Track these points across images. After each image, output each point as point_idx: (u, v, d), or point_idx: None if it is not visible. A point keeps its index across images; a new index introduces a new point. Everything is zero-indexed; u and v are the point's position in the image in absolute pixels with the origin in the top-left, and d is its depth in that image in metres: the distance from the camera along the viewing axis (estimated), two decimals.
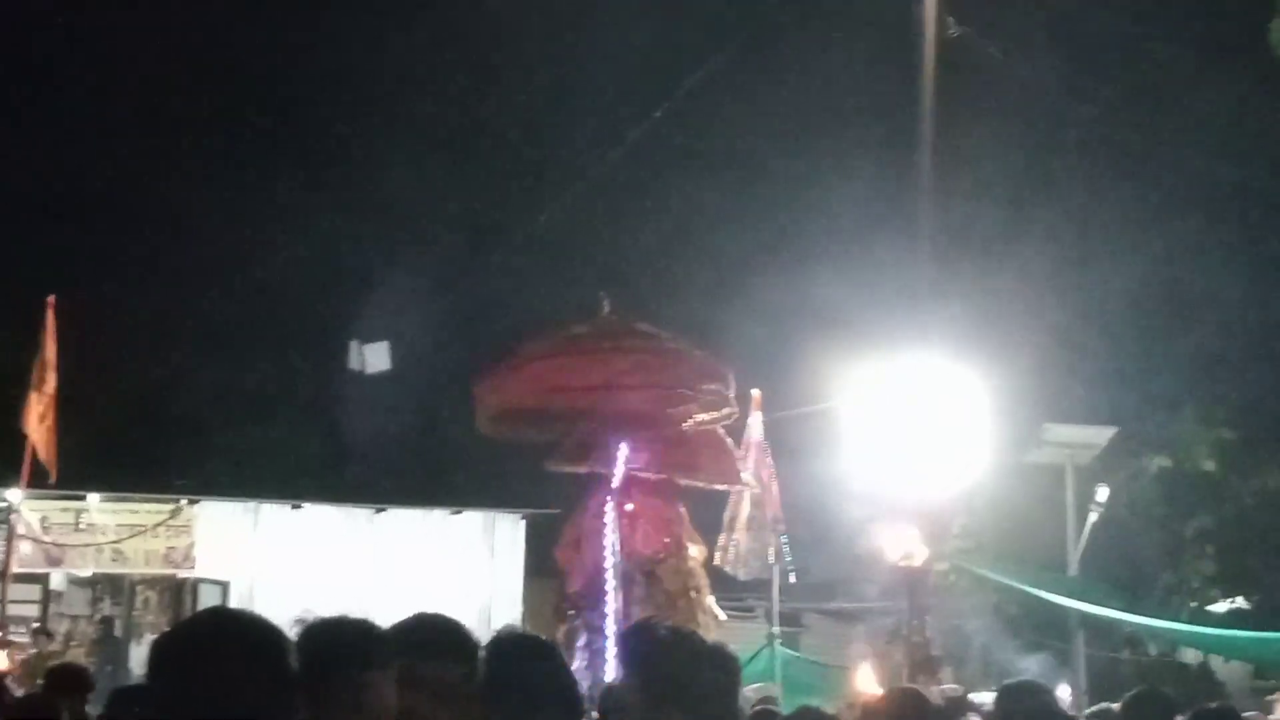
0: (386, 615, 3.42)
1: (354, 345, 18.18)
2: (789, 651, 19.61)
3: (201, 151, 28.62)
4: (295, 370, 27.60)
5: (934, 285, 15.15)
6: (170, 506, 19.69)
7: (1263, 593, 21.31)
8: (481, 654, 3.45)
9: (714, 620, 11.90)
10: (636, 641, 4.39)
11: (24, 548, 18.93)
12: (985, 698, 10.66)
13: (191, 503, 19.83)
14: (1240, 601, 21.48)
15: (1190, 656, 22.64)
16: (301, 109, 29.14)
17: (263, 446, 26.57)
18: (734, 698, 4.25)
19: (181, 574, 19.77)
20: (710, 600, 12.19)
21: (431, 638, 3.43)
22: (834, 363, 15.68)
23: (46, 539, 19.03)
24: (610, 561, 11.37)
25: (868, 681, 12.57)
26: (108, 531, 19.32)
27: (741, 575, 16.21)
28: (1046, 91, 19.59)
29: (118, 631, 19.41)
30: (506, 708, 3.22)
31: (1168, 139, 21.15)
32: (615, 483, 11.56)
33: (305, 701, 2.61)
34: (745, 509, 15.65)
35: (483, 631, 3.60)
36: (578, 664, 10.74)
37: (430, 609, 3.61)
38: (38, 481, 18.16)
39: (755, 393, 15.43)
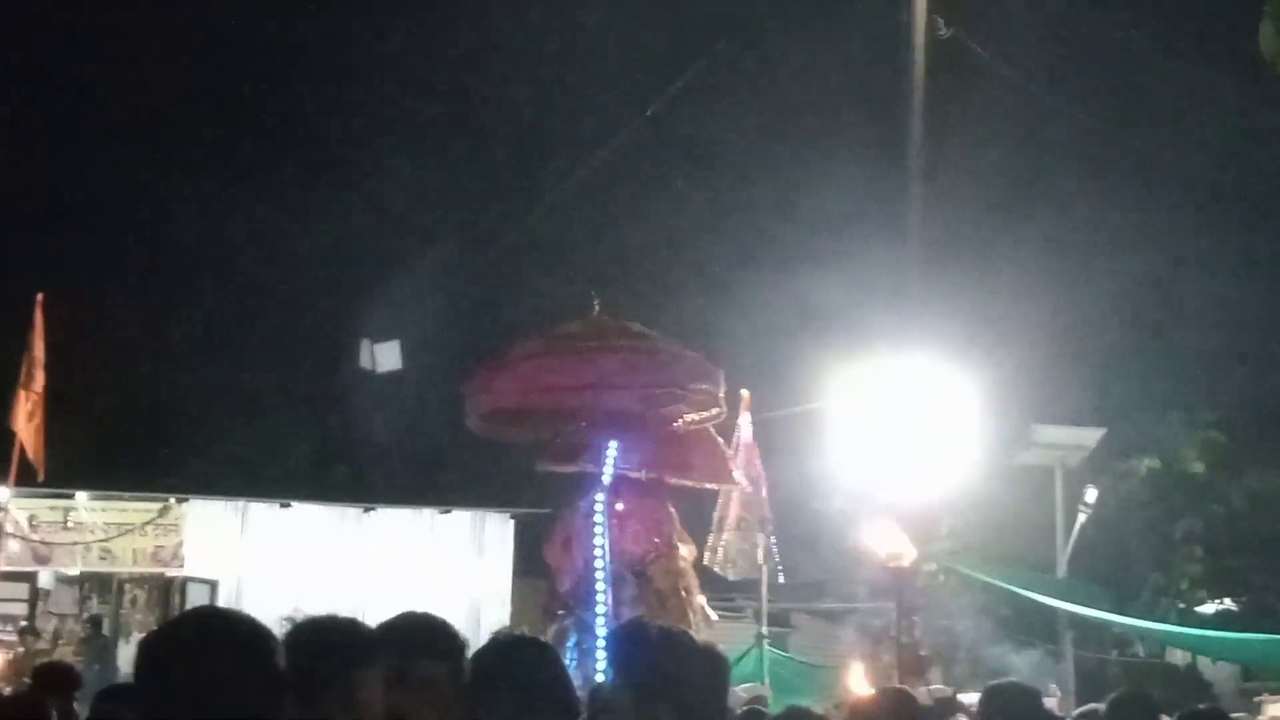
0: (375, 614, 3.42)
1: (365, 344, 18.16)
2: (777, 651, 19.63)
3: (188, 150, 28.56)
4: (284, 369, 27.57)
5: (923, 286, 15.18)
6: (159, 505, 19.64)
7: (1251, 594, 21.36)
8: (468, 653, 3.45)
9: (705, 620, 11.90)
10: (626, 641, 4.39)
11: (12, 546, 18.89)
12: (974, 698, 10.67)
13: (180, 501, 19.78)
14: (1228, 603, 21.53)
15: (1179, 658, 22.70)
16: (287, 109, 29.11)
17: (251, 445, 26.54)
18: (723, 697, 4.25)
19: (170, 573, 19.72)
20: (701, 600, 12.19)
21: (418, 637, 3.43)
22: (823, 363, 15.70)
23: (34, 537, 18.98)
24: (600, 561, 11.36)
25: (858, 681, 12.58)
26: (96, 530, 19.26)
27: (730, 575, 16.22)
28: (1036, 93, 19.62)
29: (106, 630, 19.32)
30: (504, 709, 3.23)
31: (1157, 141, 21.21)
32: (605, 482, 11.55)
33: (293, 700, 2.61)
34: (734, 509, 15.66)
35: (471, 631, 3.60)
36: (567, 664, 10.73)
37: (418, 608, 3.62)
38: (26, 479, 18.12)
39: (744, 393, 15.44)
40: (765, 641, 17.54)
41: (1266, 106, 17.66)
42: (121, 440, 25.03)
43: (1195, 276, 22.27)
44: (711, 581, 14.66)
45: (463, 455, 21.12)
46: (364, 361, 18.08)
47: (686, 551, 12.22)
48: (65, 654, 17.25)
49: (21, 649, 17.33)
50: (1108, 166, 23.06)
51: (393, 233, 28.79)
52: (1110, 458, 21.41)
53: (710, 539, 15.43)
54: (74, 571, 19.82)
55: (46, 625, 19.42)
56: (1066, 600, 18.92)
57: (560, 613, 11.64)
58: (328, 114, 29.85)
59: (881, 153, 17.50)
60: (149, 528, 19.42)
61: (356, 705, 3.03)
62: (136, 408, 26.75)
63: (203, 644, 2.52)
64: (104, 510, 19.49)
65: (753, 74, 23.57)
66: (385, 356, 17.84)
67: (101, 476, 20.35)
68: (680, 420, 12.10)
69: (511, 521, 20.78)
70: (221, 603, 17.85)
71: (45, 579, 19.93)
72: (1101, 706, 6.25)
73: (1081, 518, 20.31)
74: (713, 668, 4.09)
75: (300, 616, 3.14)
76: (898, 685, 9.55)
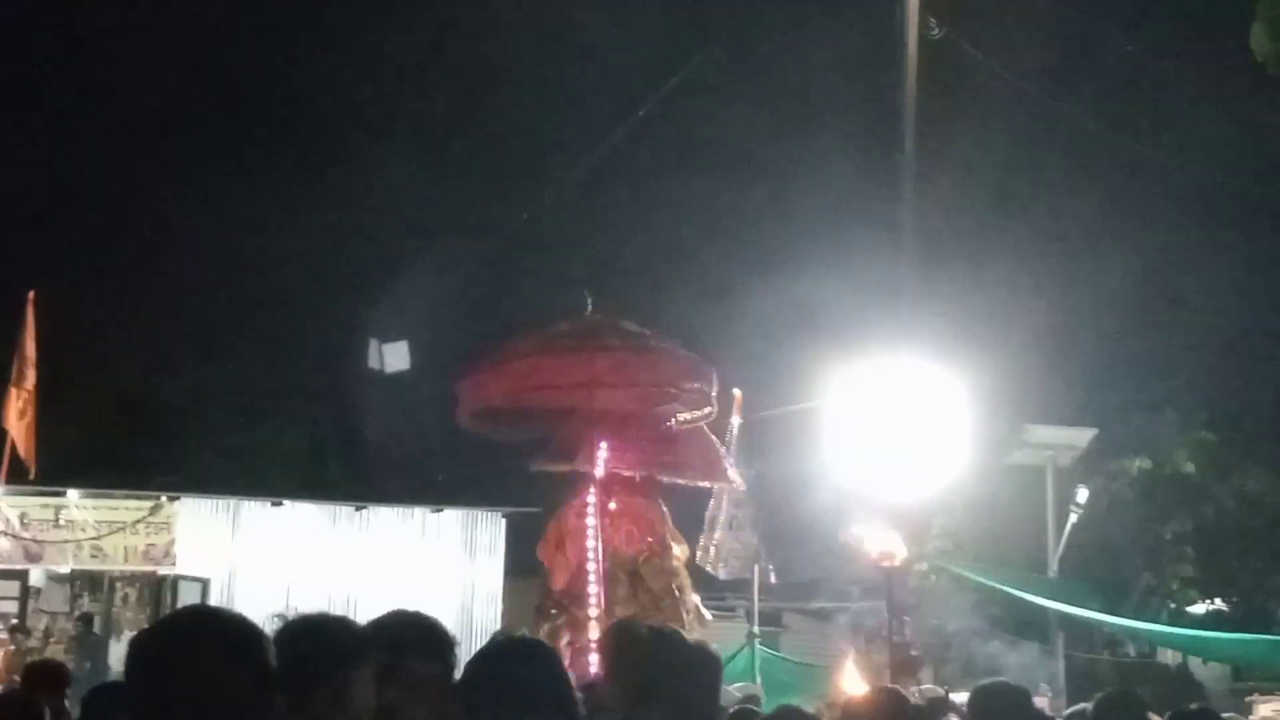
0: (366, 613, 3.42)
1: (373, 344, 18.18)
2: (769, 651, 19.62)
3: (181, 149, 28.55)
4: (276, 369, 27.56)
5: (916, 287, 15.19)
6: (150, 503, 19.61)
7: (1241, 594, 21.42)
8: (458, 651, 3.45)
9: (698, 619, 11.90)
10: (618, 640, 4.40)
11: (3, 543, 18.86)
12: (965, 697, 10.67)
13: (171, 499, 19.75)
14: (1219, 603, 21.58)
15: (1169, 658, 22.73)
16: (281, 109, 29.10)
17: (243, 444, 26.52)
18: (715, 696, 4.26)
19: (161, 571, 19.68)
20: (695, 599, 12.19)
21: (409, 635, 3.43)
22: (816, 363, 15.70)
23: (25, 535, 18.94)
24: (593, 561, 11.36)
25: (850, 680, 12.57)
26: (87, 528, 19.23)
27: (722, 575, 16.23)
28: (1028, 94, 19.64)
29: (97, 628, 19.28)
30: (504, 709, 3.23)
31: (1150, 142, 21.24)
32: (598, 481, 11.55)
33: (284, 699, 2.60)
34: (726, 509, 15.65)
35: (463, 630, 3.60)
36: None
37: (409, 607, 3.62)
38: (17, 477, 18.11)
39: (737, 393, 15.44)
40: (757, 640, 17.53)
41: (1258, 106, 17.70)
42: (113, 438, 25.02)
43: (1187, 278, 22.31)
44: (704, 581, 14.66)
45: (455, 454, 21.09)
46: (372, 362, 18.13)
47: (679, 551, 12.23)
48: (56, 652, 17.24)
49: (12, 647, 17.28)
50: (1099, 167, 23.09)
51: (385, 232, 28.82)
52: (1102, 458, 21.45)
53: (702, 538, 15.42)
54: (65, 569, 19.78)
55: (38, 623, 19.39)
56: (1058, 600, 18.94)
57: (553, 612, 11.64)
58: (318, 113, 29.83)
59: (875, 153, 17.51)
60: (140, 526, 19.39)
61: (348, 703, 3.02)
62: (128, 406, 26.73)
63: (194, 642, 2.52)
64: (95, 508, 19.46)
65: (746, 75, 23.59)
66: (393, 357, 17.87)
67: (93, 474, 20.34)
68: (673, 419, 12.10)
69: (504, 520, 20.77)
70: (213, 601, 17.86)
71: (36, 577, 19.89)
72: (1090, 706, 6.25)
73: (1073, 517, 20.34)
74: (705, 667, 4.10)
75: (291, 615, 3.14)
76: (889, 685, 9.56)
